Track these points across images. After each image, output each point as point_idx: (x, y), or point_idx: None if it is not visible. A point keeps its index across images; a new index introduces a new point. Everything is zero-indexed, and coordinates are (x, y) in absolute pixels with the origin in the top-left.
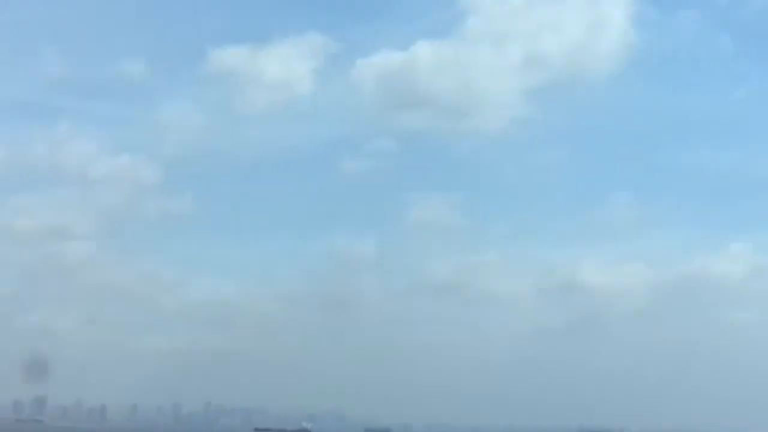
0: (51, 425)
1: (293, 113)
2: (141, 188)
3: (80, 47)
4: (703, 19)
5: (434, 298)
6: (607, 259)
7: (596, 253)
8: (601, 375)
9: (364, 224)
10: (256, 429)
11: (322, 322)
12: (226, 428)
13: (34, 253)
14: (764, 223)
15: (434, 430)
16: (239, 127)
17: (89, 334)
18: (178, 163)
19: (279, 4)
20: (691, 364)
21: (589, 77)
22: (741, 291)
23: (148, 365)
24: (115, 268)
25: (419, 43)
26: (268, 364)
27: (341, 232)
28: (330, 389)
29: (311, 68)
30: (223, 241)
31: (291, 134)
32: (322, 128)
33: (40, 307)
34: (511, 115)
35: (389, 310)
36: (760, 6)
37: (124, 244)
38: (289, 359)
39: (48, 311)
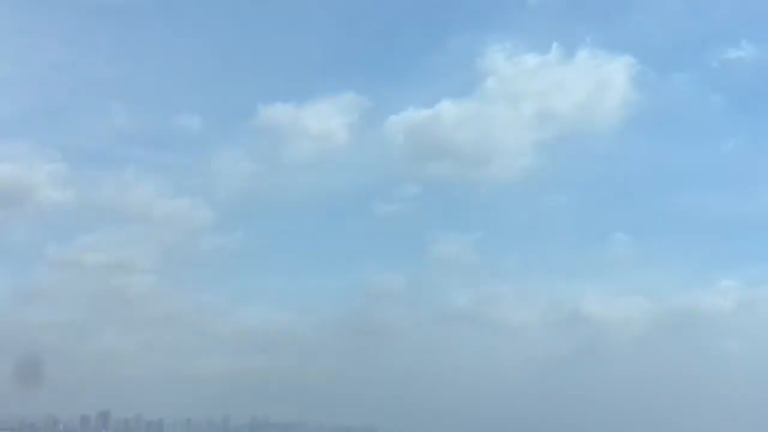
0: None
1: (331, 162)
2: (196, 228)
3: (143, 103)
4: (696, 79)
5: (454, 326)
6: (608, 292)
7: (598, 287)
8: (602, 397)
9: (393, 260)
10: None
11: (356, 347)
12: None
13: (101, 285)
14: (751, 261)
15: None
16: (284, 173)
17: (148, 356)
18: (230, 205)
19: (319, 67)
20: (684, 389)
21: (593, 131)
22: (729, 323)
23: (200, 383)
24: (173, 298)
25: (443, 101)
26: (307, 383)
27: (372, 267)
28: (362, 406)
29: (347, 123)
30: (269, 274)
31: (329, 180)
32: (356, 175)
33: (105, 333)
34: (522, 164)
35: (414, 336)
36: (747, 68)
37: (180, 277)
38: (326, 379)
39: (112, 336)
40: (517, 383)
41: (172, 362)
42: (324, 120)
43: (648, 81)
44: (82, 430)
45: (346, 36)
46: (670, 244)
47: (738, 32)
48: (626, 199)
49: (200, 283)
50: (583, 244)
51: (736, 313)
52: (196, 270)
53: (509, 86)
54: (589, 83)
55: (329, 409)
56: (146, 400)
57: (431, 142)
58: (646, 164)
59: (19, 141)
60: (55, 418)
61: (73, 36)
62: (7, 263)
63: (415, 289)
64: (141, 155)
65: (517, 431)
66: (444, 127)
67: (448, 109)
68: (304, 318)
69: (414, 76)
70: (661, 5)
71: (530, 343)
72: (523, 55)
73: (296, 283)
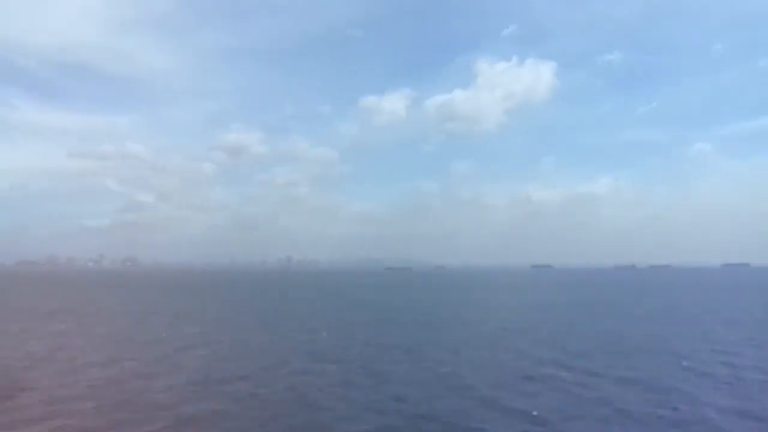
0: (293, 269)
1: (397, 124)
2: (329, 162)
3: (301, 98)
4: (589, 72)
5: (463, 208)
6: (542, 186)
7: (537, 185)
8: (539, 236)
9: (431, 175)
10: (386, 268)
11: (415, 218)
12: (372, 269)
13: (282, 193)
14: (616, 168)
15: (465, 266)
16: (373, 133)
17: (310, 228)
18: (347, 150)
19: (389, 75)
20: (581, 231)
21: (534, 102)
22: (606, 198)
23: (336, 239)
24: (318, 198)
25: (455, 90)
26: (389, 237)
27: (421, 179)
28: (413, 246)
29: (405, 105)
30: (367, 184)
31: (397, 135)
32: (410, 131)
33: (286, 217)
34: (497, 122)
35: (443, 213)
36: (618, 64)
37: (322, 188)
38: (399, 235)
39: (290, 219)
40: (496, 231)
41: (320, 230)
42: (393, 103)
43: (563, 75)
44: (278, 266)
45: (404, 57)
46: (574, 161)
47: (613, 44)
48: (552, 138)
49: (332, 191)
50: (529, 163)
51: (608, 195)
52: (329, 184)
53: (489, 80)
54: (533, 77)
55: (402, 250)
56: (309, 249)
57: (449, 112)
58: (562, 118)
59: (240, 123)
60: (264, 260)
61: (268, 71)
62: (236, 184)
63: (442, 189)
64: (301, 127)
65: (493, 252)
66: (456, 104)
67: (458, 94)
68: (383, 205)
69: (440, 77)
70: (572, 36)
71: (501, 214)
72: (497, 63)
73: (380, 188)
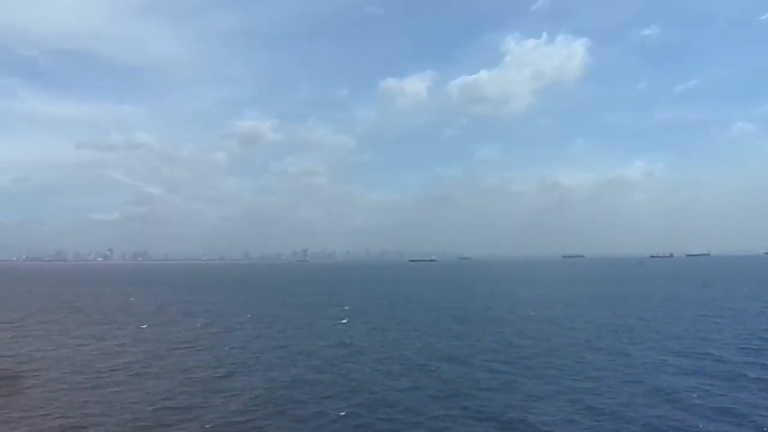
0: (311, 262)
1: (418, 108)
2: (347, 150)
3: (317, 84)
4: (623, 49)
5: (487, 196)
6: (572, 171)
7: (567, 168)
8: (568, 222)
9: (454, 161)
10: (410, 260)
11: (437, 207)
12: (393, 261)
13: (298, 183)
14: (649, 151)
15: (492, 257)
16: (393, 118)
17: (327, 219)
18: (365, 137)
19: (410, 57)
20: (612, 216)
21: (565, 81)
22: (640, 183)
23: (353, 232)
24: (335, 189)
25: (481, 71)
26: (410, 228)
27: (443, 165)
28: (442, 239)
29: (426, 87)
30: (386, 173)
31: (418, 119)
32: (432, 115)
33: (302, 208)
34: (525, 103)
35: (467, 201)
36: (654, 40)
37: (339, 177)
38: (420, 225)
39: (306, 210)
40: (523, 220)
41: (339, 222)
42: (414, 86)
43: (596, 52)
44: (293, 258)
45: (427, 35)
46: (606, 143)
47: (649, 17)
48: (583, 120)
49: (350, 180)
50: (559, 147)
51: (643, 179)
52: (347, 173)
53: (518, 59)
54: (564, 54)
55: (425, 241)
56: (326, 241)
57: (474, 94)
58: (594, 98)
59: (254, 109)
60: (278, 253)
61: (283, 54)
62: (249, 174)
63: (465, 176)
64: (317, 113)
65: (520, 242)
66: (481, 85)
67: (483, 75)
68: (405, 195)
69: (464, 57)
70: (606, 10)
71: (529, 201)
72: (525, 40)
73: (400, 176)
